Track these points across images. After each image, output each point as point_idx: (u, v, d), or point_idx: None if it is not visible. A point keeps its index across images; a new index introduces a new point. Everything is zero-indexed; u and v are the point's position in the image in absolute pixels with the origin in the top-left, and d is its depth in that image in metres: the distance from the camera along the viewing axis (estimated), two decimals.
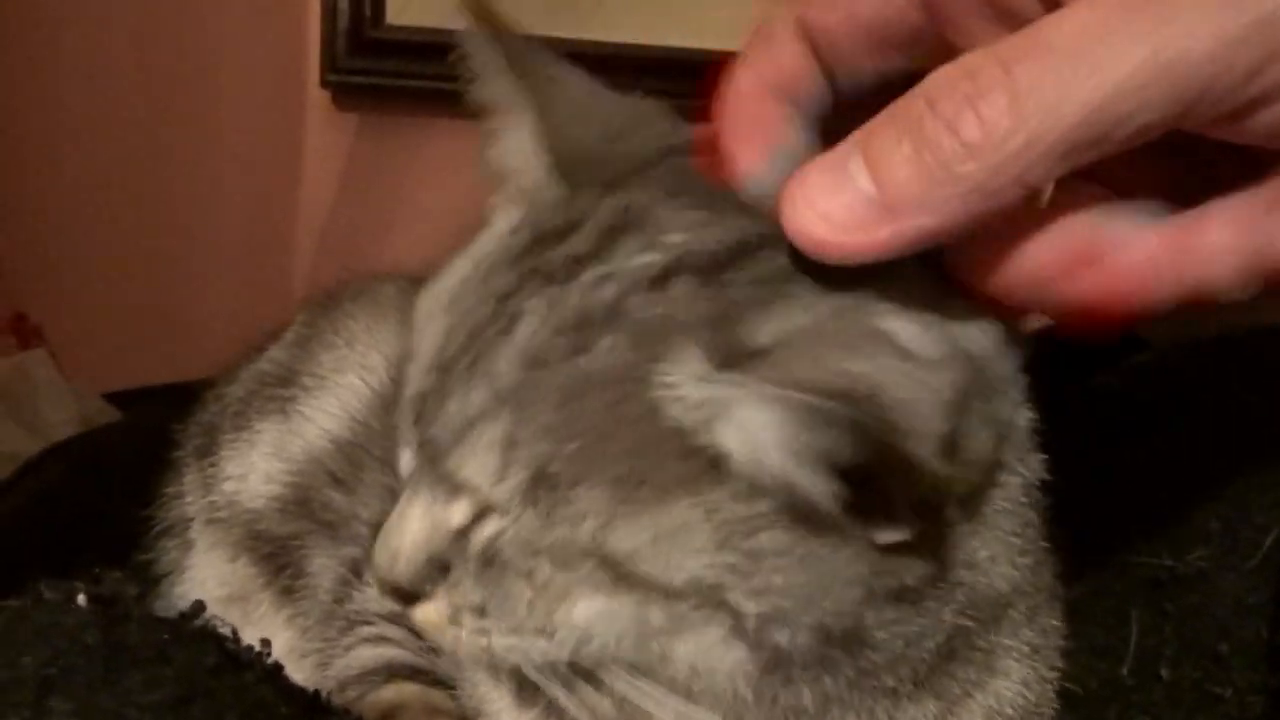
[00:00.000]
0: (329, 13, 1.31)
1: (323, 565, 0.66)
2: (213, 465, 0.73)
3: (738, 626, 0.40)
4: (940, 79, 0.35)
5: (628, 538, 0.39)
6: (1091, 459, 0.62)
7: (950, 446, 0.36)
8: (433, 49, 1.34)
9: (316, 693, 0.47)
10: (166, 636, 0.42)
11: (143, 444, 0.86)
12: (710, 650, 0.41)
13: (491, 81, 0.46)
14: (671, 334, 0.38)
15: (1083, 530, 0.58)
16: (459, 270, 0.44)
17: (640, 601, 0.40)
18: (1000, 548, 0.45)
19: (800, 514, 0.38)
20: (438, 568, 0.44)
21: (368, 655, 0.58)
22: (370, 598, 0.60)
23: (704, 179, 0.43)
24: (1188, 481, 0.59)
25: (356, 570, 0.63)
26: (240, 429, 0.72)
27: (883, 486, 0.37)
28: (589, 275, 0.40)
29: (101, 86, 1.35)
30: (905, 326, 0.38)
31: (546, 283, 0.40)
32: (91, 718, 0.38)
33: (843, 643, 0.42)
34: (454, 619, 0.44)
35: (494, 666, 0.46)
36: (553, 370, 0.39)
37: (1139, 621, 0.57)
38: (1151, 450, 0.62)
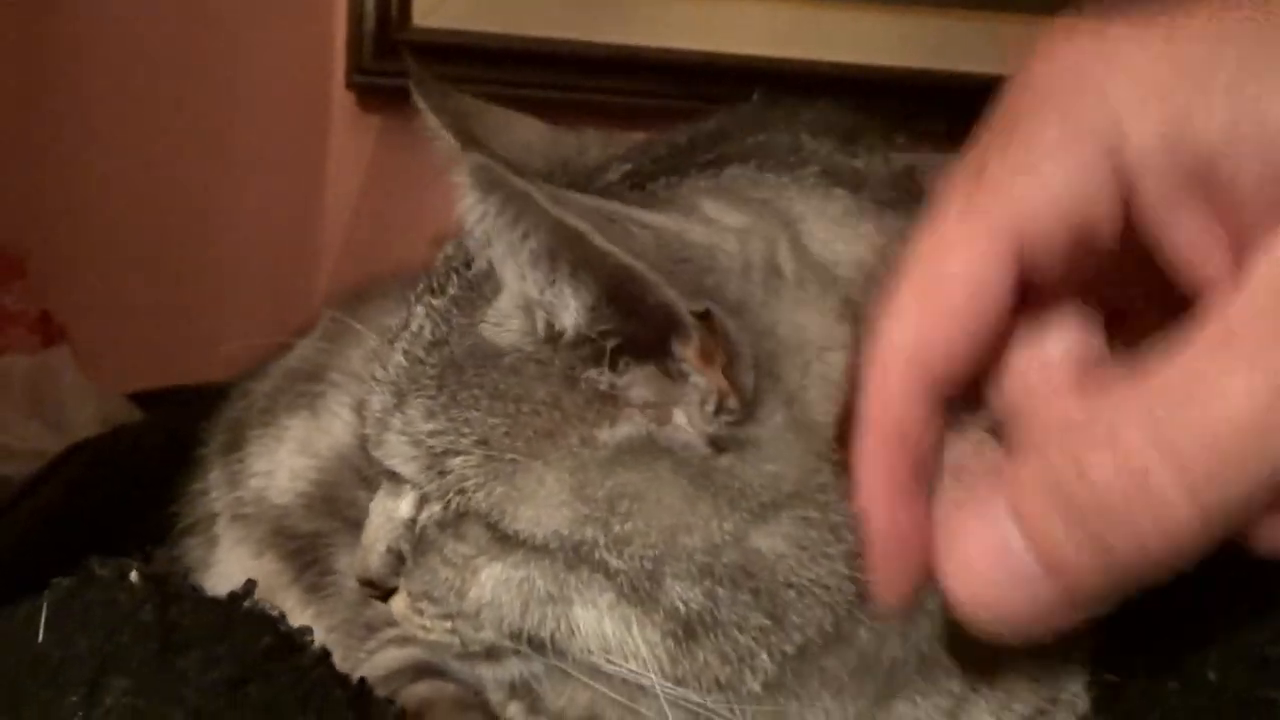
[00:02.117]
0: (355, 14, 1.31)
1: (348, 565, 0.65)
2: (239, 461, 0.72)
3: (619, 588, 0.41)
4: (1096, 458, 0.31)
5: (495, 497, 0.42)
6: None
7: (723, 304, 0.38)
8: (458, 51, 1.34)
9: (363, 680, 0.47)
10: (220, 616, 0.42)
11: (166, 443, 0.86)
12: (608, 619, 0.42)
13: (441, 142, 0.53)
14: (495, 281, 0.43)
15: None
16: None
17: (521, 563, 0.43)
18: None
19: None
20: (397, 558, 0.47)
21: (393, 656, 0.58)
22: None
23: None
24: None
25: None
26: (268, 425, 0.72)
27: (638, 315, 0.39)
28: (456, 281, 0.46)
29: (126, 88, 1.35)
30: (715, 204, 0.42)
31: (430, 293, 0.47)
32: (148, 697, 0.38)
33: (740, 583, 0.41)
34: (414, 608, 0.47)
35: (459, 656, 0.47)
36: (426, 363, 0.45)
37: None
38: None
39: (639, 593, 0.41)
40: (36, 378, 1.15)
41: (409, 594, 0.47)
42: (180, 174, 1.37)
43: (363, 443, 0.48)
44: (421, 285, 0.48)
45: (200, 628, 0.41)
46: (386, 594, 0.48)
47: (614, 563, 0.41)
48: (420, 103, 0.53)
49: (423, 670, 0.56)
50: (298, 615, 0.66)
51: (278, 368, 0.75)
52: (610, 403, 0.42)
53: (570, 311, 0.41)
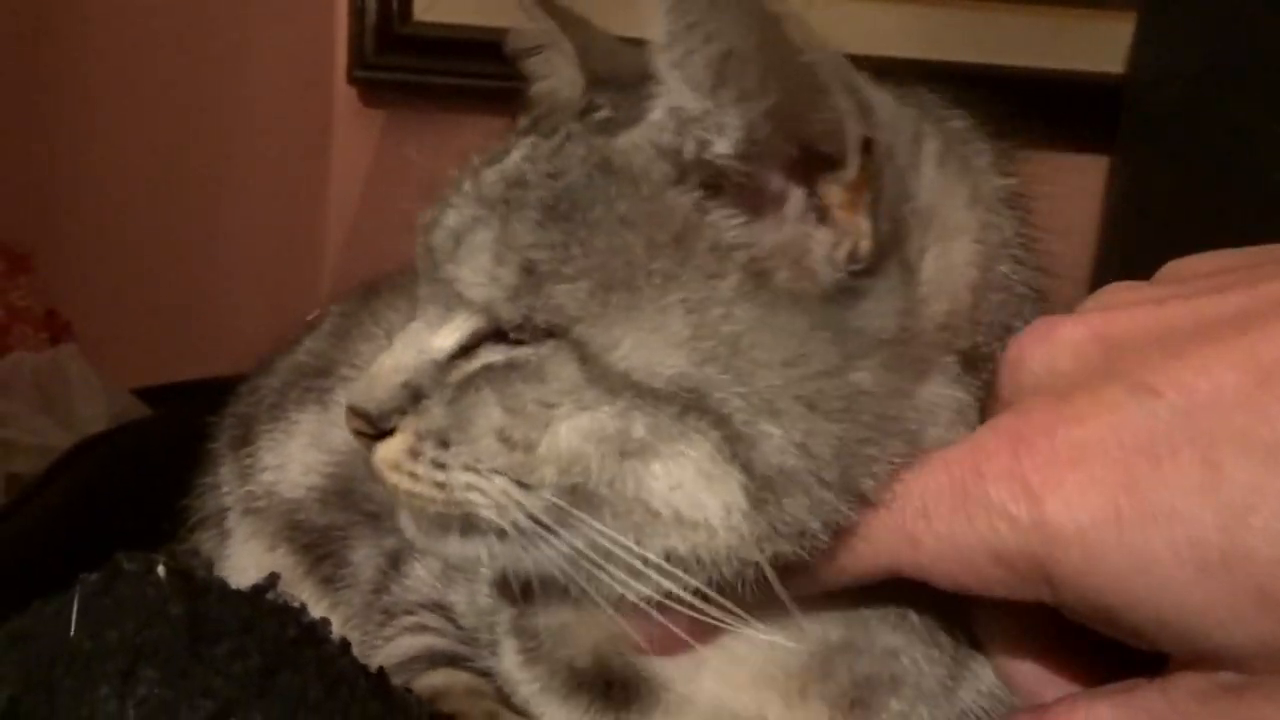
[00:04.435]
0: (356, 9, 1.31)
1: (365, 556, 0.66)
2: (250, 456, 0.73)
3: (721, 439, 0.40)
4: None
5: (607, 333, 0.41)
6: None
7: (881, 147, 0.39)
8: (460, 45, 1.34)
9: (381, 669, 0.47)
10: (246, 608, 0.42)
11: (174, 438, 0.86)
12: (693, 477, 0.41)
13: (539, 23, 0.54)
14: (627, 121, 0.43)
15: None
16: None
17: (623, 412, 0.41)
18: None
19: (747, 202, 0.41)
20: (411, 397, 0.44)
21: (409, 644, 0.58)
22: (410, 588, 0.60)
23: None
24: None
25: (395, 562, 0.63)
26: (277, 420, 0.72)
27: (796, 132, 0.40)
28: (570, 125, 0.45)
29: (131, 85, 1.36)
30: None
31: (535, 135, 0.46)
32: (180, 687, 0.38)
33: (840, 418, 0.40)
34: (413, 450, 0.44)
35: (443, 520, 0.44)
36: (532, 189, 0.43)
37: None
38: None
39: (741, 442, 0.40)
40: (45, 374, 1.16)
41: (415, 434, 0.44)
42: (185, 170, 1.37)
43: (420, 262, 0.46)
44: (522, 126, 0.47)
45: (228, 619, 0.41)
46: (376, 436, 0.45)
47: (730, 403, 0.40)
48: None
49: (437, 658, 0.57)
50: (312, 608, 0.67)
51: (286, 363, 0.75)
52: (733, 251, 0.41)
53: (729, 131, 0.40)
